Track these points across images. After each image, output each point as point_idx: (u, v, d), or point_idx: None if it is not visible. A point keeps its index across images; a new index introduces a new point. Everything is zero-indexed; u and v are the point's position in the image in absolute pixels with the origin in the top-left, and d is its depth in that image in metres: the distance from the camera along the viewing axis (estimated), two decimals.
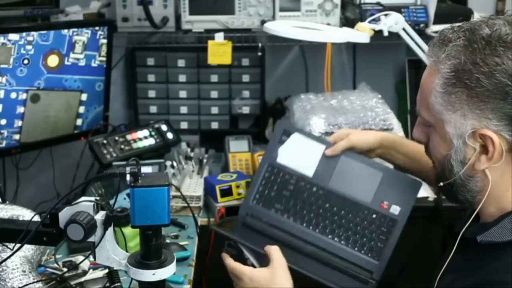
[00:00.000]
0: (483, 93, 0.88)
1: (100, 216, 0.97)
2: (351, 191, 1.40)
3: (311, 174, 1.42)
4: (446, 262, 1.00)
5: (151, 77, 2.27)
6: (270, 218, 1.42)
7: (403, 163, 1.41)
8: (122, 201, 1.56)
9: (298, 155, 1.44)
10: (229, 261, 1.22)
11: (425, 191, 1.78)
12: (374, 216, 1.38)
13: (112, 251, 1.00)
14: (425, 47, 1.87)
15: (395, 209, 1.38)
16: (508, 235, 0.91)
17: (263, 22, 2.10)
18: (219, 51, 2.15)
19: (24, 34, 1.81)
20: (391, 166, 1.47)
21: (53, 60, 1.91)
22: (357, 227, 1.38)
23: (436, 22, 2.08)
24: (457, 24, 0.95)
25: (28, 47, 1.83)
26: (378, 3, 2.12)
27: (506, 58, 0.86)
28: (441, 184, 1.00)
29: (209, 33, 2.15)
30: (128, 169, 0.93)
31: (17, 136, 1.92)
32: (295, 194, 1.42)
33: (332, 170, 1.41)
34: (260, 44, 2.18)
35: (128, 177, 0.93)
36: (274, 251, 1.18)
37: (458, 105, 0.91)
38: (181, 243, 1.54)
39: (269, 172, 1.45)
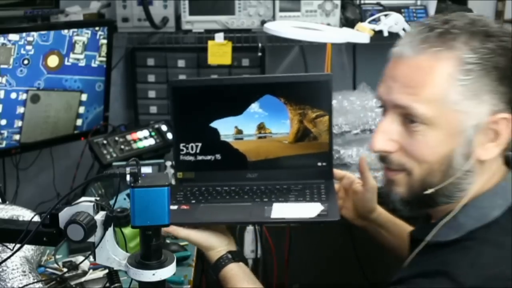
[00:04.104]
0: (501, 75, 0.87)
1: (100, 216, 0.97)
2: None
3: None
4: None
5: (151, 77, 2.28)
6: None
7: (389, 242, 1.31)
8: (122, 201, 1.56)
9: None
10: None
11: None
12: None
13: (112, 252, 0.99)
14: None
15: None
16: (453, 234, 0.91)
17: (263, 22, 2.10)
18: (219, 52, 2.15)
19: (24, 34, 1.81)
20: None
21: (53, 61, 1.91)
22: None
23: None
24: (437, 16, 0.93)
25: (28, 47, 1.83)
26: (378, 4, 2.12)
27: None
28: (432, 190, 0.92)
29: (209, 34, 2.15)
30: (128, 169, 0.92)
31: (17, 137, 1.92)
32: None
33: None
34: (260, 45, 2.19)
35: (128, 178, 0.93)
36: None
37: (478, 91, 0.87)
38: (181, 243, 1.54)
39: None
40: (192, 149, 1.34)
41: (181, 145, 1.33)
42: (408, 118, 0.91)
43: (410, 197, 0.96)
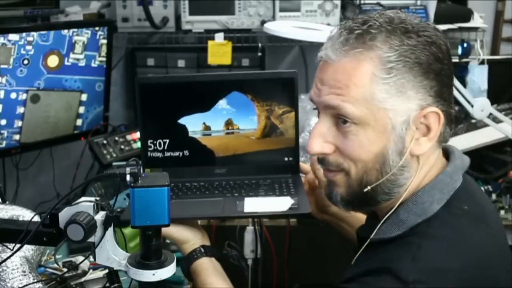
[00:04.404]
0: (425, 69, 0.88)
1: (100, 216, 0.97)
2: None
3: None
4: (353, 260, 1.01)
5: None
6: None
7: (350, 235, 1.32)
8: (122, 201, 1.56)
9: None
10: None
11: None
12: None
13: (112, 252, 1.00)
14: None
15: None
16: (395, 230, 0.92)
17: (263, 22, 2.10)
18: (219, 52, 2.15)
19: (24, 34, 1.81)
20: None
21: (53, 60, 1.91)
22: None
23: (436, 22, 2.09)
24: (357, 17, 0.94)
25: (28, 47, 1.83)
26: (378, 3, 2.13)
27: (432, 36, 0.90)
28: (369, 188, 0.93)
29: (209, 34, 2.15)
30: (128, 169, 0.93)
31: (17, 137, 1.92)
32: None
33: None
34: (260, 45, 2.19)
35: (128, 178, 0.93)
36: None
37: (403, 88, 0.88)
38: None
39: None
40: (159, 146, 1.34)
41: (149, 141, 1.34)
42: (340, 119, 0.92)
43: (350, 196, 0.97)
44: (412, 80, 0.88)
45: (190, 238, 1.18)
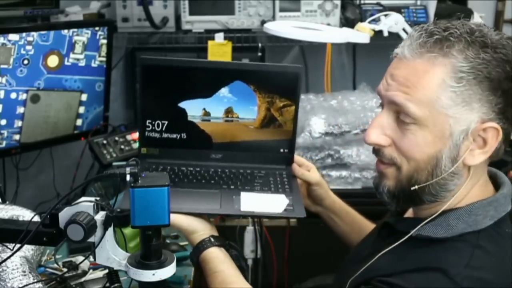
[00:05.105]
0: (493, 85, 0.90)
1: (100, 216, 0.97)
2: None
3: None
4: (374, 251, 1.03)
5: None
6: None
7: (340, 228, 1.39)
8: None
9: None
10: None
11: None
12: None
13: (112, 252, 1.00)
14: None
15: None
16: (441, 233, 0.95)
17: (263, 22, 2.10)
18: (219, 52, 2.15)
19: (24, 34, 1.81)
20: None
21: (53, 61, 1.91)
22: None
23: None
24: (439, 22, 0.97)
25: (28, 47, 1.83)
26: (378, 4, 2.12)
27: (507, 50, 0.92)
28: (417, 187, 0.97)
29: (209, 34, 2.15)
30: (128, 169, 0.93)
31: (17, 137, 1.91)
32: None
33: None
34: (260, 44, 2.19)
35: (128, 178, 0.93)
36: None
37: (469, 99, 0.91)
38: (181, 243, 1.54)
39: None
40: (158, 126, 1.35)
41: (148, 121, 1.34)
42: (402, 116, 0.96)
43: (397, 190, 1.00)
44: (479, 93, 0.91)
45: (200, 229, 1.18)
